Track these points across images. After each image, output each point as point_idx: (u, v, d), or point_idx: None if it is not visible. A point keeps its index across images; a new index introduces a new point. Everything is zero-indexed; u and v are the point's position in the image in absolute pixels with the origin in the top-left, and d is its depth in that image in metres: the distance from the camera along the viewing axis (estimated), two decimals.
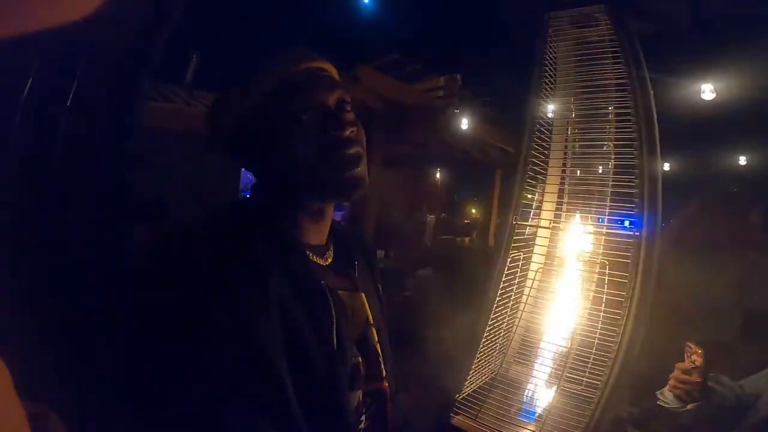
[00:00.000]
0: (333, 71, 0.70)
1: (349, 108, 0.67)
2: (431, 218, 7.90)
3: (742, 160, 5.22)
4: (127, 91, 1.04)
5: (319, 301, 0.63)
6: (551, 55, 1.73)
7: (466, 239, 7.25)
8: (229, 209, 0.72)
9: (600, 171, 1.44)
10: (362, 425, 0.69)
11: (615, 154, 1.34)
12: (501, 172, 6.86)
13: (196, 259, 0.57)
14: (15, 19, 0.11)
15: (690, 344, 1.30)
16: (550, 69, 1.70)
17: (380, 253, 5.62)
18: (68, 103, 0.92)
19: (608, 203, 1.32)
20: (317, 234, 0.71)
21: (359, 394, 0.68)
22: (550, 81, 1.70)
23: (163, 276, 0.57)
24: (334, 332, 0.62)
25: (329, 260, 0.71)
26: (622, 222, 1.37)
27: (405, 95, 5.05)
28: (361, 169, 0.66)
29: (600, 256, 1.35)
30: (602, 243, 1.35)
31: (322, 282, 0.65)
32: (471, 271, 5.45)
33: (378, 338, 0.74)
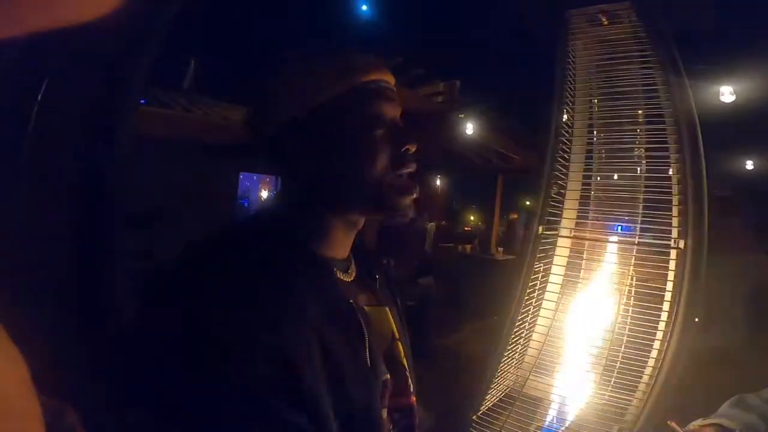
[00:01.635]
0: (393, 83, 0.69)
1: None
2: (432, 226, 7.81)
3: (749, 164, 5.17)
4: (118, 97, 1.02)
5: (351, 319, 0.62)
6: (570, 56, 1.65)
7: (468, 247, 7.17)
8: (257, 222, 0.68)
9: (629, 178, 1.35)
10: None
11: (646, 159, 1.25)
12: (503, 179, 6.79)
13: (230, 277, 0.54)
14: (7, 22, 0.11)
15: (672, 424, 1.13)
16: (569, 70, 1.63)
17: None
18: (52, 108, 0.89)
19: (641, 210, 1.23)
20: (343, 248, 0.69)
21: (386, 410, 0.67)
22: (570, 82, 1.62)
23: (195, 293, 0.53)
24: (367, 350, 0.61)
25: (353, 275, 0.69)
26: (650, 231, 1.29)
27: (404, 101, 4.99)
28: (415, 194, 0.66)
29: (632, 268, 1.26)
30: (634, 253, 1.26)
31: (351, 301, 0.64)
32: (474, 279, 5.38)
33: (404, 353, 0.73)
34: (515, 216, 7.44)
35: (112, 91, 1.00)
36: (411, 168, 0.65)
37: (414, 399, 0.72)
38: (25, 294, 0.81)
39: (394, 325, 0.73)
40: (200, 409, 0.48)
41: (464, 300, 5.24)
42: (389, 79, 0.68)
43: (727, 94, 2.39)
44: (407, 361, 0.73)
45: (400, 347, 0.72)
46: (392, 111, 0.66)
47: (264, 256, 0.57)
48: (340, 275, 0.66)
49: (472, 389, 1.72)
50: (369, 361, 0.61)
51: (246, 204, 7.82)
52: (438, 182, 9.55)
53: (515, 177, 6.80)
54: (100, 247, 1.02)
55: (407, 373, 0.72)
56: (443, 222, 8.28)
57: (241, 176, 7.19)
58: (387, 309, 0.73)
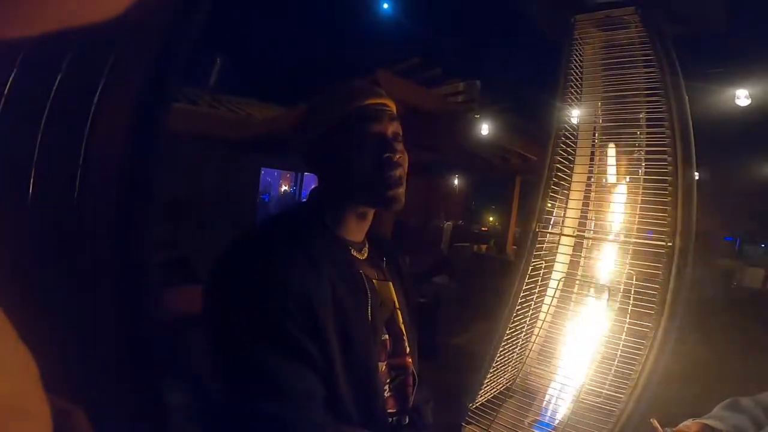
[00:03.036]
0: (393, 107, 0.87)
1: (400, 139, 0.85)
2: (448, 225, 7.83)
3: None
4: (153, 93, 1.06)
5: (359, 285, 0.80)
6: (577, 59, 1.69)
7: (483, 247, 7.17)
8: (295, 211, 0.92)
9: (628, 180, 1.39)
10: (386, 393, 0.83)
11: (646, 162, 1.28)
12: (521, 179, 6.76)
13: (273, 248, 0.75)
14: (43, 19, 0.11)
15: (654, 422, 1.12)
16: (576, 73, 1.66)
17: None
18: (94, 104, 0.94)
19: (638, 212, 1.27)
20: (358, 233, 0.88)
21: (384, 366, 0.83)
22: (576, 85, 1.66)
23: (246, 258, 0.75)
24: (369, 311, 0.79)
25: (365, 255, 0.88)
26: (651, 232, 1.32)
27: (424, 100, 5.02)
28: (402, 190, 0.83)
29: (627, 267, 1.30)
30: (630, 253, 1.30)
31: (361, 271, 0.83)
32: (488, 279, 5.38)
33: (402, 320, 0.89)
34: None
35: (154, 89, 1.05)
36: (398, 172, 0.82)
37: (410, 360, 0.89)
38: (62, 289, 0.86)
39: (395, 298, 0.90)
40: (233, 334, 0.69)
41: (477, 299, 5.26)
42: (385, 102, 0.86)
43: (742, 97, 2.36)
44: (405, 327, 0.89)
45: (400, 315, 0.90)
46: (383, 127, 0.83)
47: (298, 234, 0.79)
48: (354, 253, 0.85)
49: (471, 381, 1.77)
50: (370, 318, 0.79)
51: (267, 199, 8.00)
52: (456, 182, 9.55)
53: (534, 178, 6.75)
54: (140, 240, 1.06)
55: (404, 337, 0.89)
56: (460, 221, 8.29)
57: (262, 172, 7.35)
58: (391, 284, 0.90)
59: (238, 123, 5.79)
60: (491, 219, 10.92)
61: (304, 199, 0.94)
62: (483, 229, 9.45)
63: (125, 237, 1.00)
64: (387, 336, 0.85)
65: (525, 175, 6.61)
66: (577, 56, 1.68)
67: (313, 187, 0.90)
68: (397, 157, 0.83)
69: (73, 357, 0.78)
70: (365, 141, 0.81)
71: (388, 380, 0.84)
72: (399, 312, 0.90)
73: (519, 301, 1.50)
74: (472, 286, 5.53)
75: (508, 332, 1.58)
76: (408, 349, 0.89)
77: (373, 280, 0.85)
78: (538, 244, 1.49)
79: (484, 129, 4.76)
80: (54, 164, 0.88)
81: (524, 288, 1.52)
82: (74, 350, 0.82)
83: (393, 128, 0.85)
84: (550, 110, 1.46)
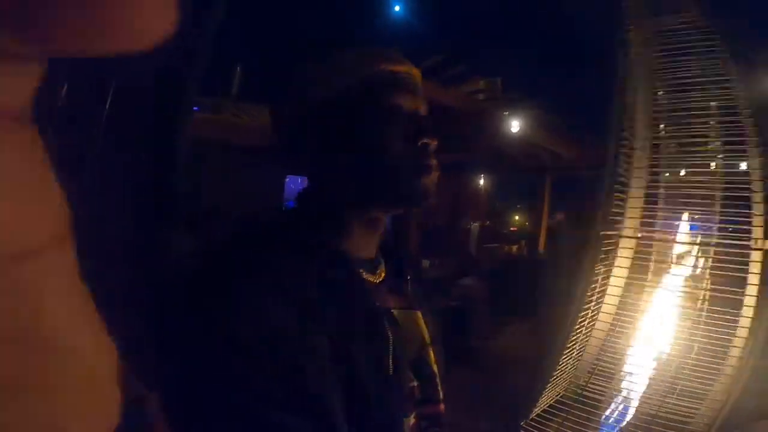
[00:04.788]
0: (419, 78, 0.66)
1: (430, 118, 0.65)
2: (475, 226, 7.68)
3: None
4: (177, 104, 1.04)
5: (374, 324, 0.59)
6: (628, 47, 1.56)
7: (514, 248, 6.99)
8: (277, 220, 0.67)
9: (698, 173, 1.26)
10: None
11: (723, 154, 1.16)
12: (551, 178, 6.57)
13: (233, 285, 0.52)
14: (104, 41, 0.10)
15: None
16: (628, 61, 1.54)
17: (425, 262, 5.47)
18: (108, 113, 0.92)
19: (718, 210, 1.14)
20: (369, 246, 0.65)
21: (413, 419, 0.63)
22: (628, 75, 1.53)
23: (197, 298, 0.53)
24: (390, 357, 0.58)
25: (381, 276, 0.65)
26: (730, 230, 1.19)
27: (446, 98, 4.91)
28: (435, 179, 0.63)
29: (708, 271, 1.17)
30: (711, 255, 1.17)
31: (377, 304, 0.61)
32: (520, 281, 5.23)
33: (435, 359, 0.69)
34: (562, 216, 7.17)
35: (171, 98, 1.03)
36: (429, 164, 0.61)
37: (442, 407, 0.69)
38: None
39: (425, 330, 0.69)
40: (205, 404, 0.48)
41: (510, 301, 5.10)
42: (408, 69, 0.64)
43: None
44: (438, 368, 0.69)
45: (431, 353, 0.69)
46: (410, 102, 0.61)
47: (279, 258, 0.55)
48: (366, 276, 0.62)
49: (521, 395, 1.66)
50: (391, 368, 0.58)
51: (291, 206, 8.02)
52: (481, 182, 9.38)
53: (564, 175, 6.56)
54: (160, 246, 1.05)
55: (437, 380, 0.68)
56: (487, 222, 8.13)
57: (287, 179, 7.38)
58: (418, 313, 0.69)
59: (262, 131, 5.81)
60: (517, 218, 10.69)
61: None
62: (512, 229, 9.24)
63: (147, 246, 0.99)
64: (415, 382, 0.64)
65: (556, 173, 6.42)
66: (628, 44, 1.56)
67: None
68: (435, 144, 0.62)
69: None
70: (395, 118, 0.59)
71: None
72: (430, 348, 0.69)
73: (581, 312, 1.38)
74: (504, 287, 5.38)
75: (568, 345, 1.46)
76: (441, 394, 0.69)
77: (393, 311, 0.64)
78: (604, 247, 1.37)
79: (512, 127, 4.62)
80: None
81: (588, 296, 1.40)
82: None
83: (425, 108, 0.64)
84: (611, 101, 1.34)
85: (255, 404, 0.47)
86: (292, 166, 0.68)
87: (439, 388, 0.69)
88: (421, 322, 0.69)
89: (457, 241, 7.13)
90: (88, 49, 0.10)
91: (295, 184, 8.12)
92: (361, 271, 0.62)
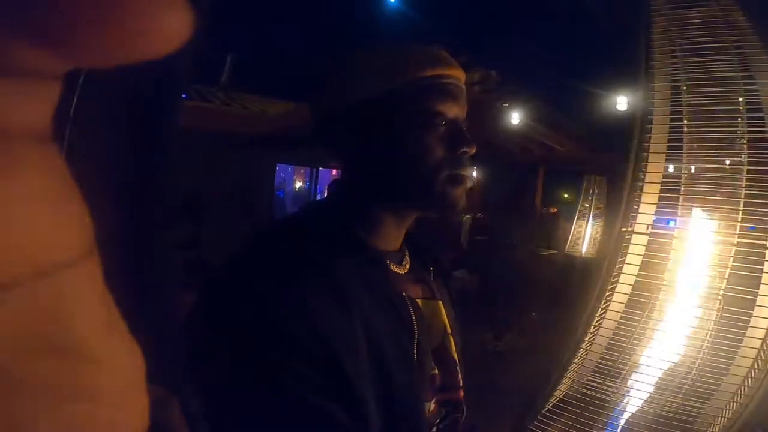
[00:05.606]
0: (463, 81, 0.67)
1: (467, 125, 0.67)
2: (467, 218, 7.66)
3: None
4: (165, 92, 1.00)
5: (401, 313, 0.62)
6: (649, 41, 1.51)
7: (507, 240, 6.99)
8: (310, 214, 0.69)
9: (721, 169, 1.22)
10: None
11: (749, 151, 1.12)
12: (544, 170, 6.57)
13: (276, 273, 0.56)
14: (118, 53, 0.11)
15: None
16: (648, 55, 1.49)
17: None
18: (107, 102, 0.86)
19: (741, 207, 1.10)
20: (396, 240, 0.69)
21: (433, 404, 0.67)
22: (648, 68, 1.49)
23: (240, 289, 0.56)
24: (415, 344, 0.62)
25: (407, 267, 0.69)
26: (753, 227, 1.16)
27: None
28: (467, 187, 0.66)
29: (728, 269, 1.14)
30: (732, 253, 1.14)
31: (404, 294, 0.64)
32: (512, 274, 5.23)
33: (455, 348, 0.73)
34: (554, 210, 7.19)
35: (159, 86, 0.99)
36: (466, 172, 0.63)
37: (462, 394, 0.73)
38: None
39: (447, 319, 0.72)
40: (240, 393, 0.51)
41: (501, 295, 5.11)
42: (456, 74, 0.65)
43: None
44: (458, 356, 0.73)
45: (452, 341, 0.72)
46: (453, 109, 0.63)
47: (314, 248, 0.59)
48: (393, 267, 0.66)
49: (527, 397, 1.64)
50: (416, 355, 0.61)
51: (282, 195, 7.92)
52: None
53: (557, 169, 6.57)
54: (152, 237, 1.01)
55: (457, 368, 0.72)
56: (479, 214, 8.12)
57: (277, 168, 7.27)
58: (440, 302, 0.72)
59: (252, 119, 5.73)
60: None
61: (321, 198, 0.74)
62: (504, 221, 9.25)
63: (140, 238, 0.94)
64: (436, 370, 0.67)
65: (548, 166, 6.43)
66: (649, 37, 1.51)
67: (333, 179, 0.70)
68: (471, 151, 0.64)
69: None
70: (437, 125, 0.61)
71: (437, 420, 0.67)
72: (451, 337, 0.72)
73: (600, 306, 1.35)
74: (494, 280, 5.39)
75: (581, 347, 1.43)
76: (461, 382, 0.72)
77: (418, 301, 0.67)
78: (624, 243, 1.33)
79: (514, 118, 4.58)
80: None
81: (605, 294, 1.37)
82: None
83: (465, 112, 0.65)
84: (632, 96, 1.29)
85: (295, 390, 0.50)
86: (332, 158, 0.67)
87: (459, 375, 0.72)
88: (443, 311, 0.72)
89: (448, 233, 7.11)
90: (108, 60, 0.11)
91: (285, 173, 8.01)
92: (389, 262, 0.65)
